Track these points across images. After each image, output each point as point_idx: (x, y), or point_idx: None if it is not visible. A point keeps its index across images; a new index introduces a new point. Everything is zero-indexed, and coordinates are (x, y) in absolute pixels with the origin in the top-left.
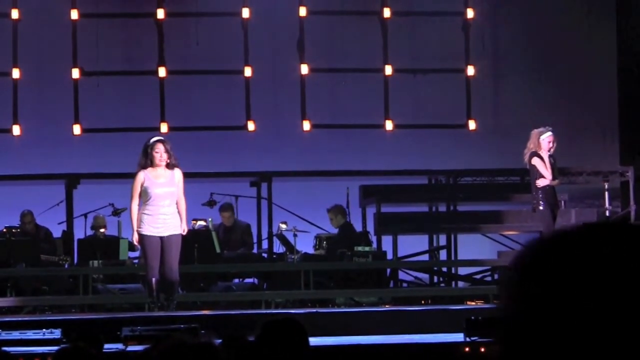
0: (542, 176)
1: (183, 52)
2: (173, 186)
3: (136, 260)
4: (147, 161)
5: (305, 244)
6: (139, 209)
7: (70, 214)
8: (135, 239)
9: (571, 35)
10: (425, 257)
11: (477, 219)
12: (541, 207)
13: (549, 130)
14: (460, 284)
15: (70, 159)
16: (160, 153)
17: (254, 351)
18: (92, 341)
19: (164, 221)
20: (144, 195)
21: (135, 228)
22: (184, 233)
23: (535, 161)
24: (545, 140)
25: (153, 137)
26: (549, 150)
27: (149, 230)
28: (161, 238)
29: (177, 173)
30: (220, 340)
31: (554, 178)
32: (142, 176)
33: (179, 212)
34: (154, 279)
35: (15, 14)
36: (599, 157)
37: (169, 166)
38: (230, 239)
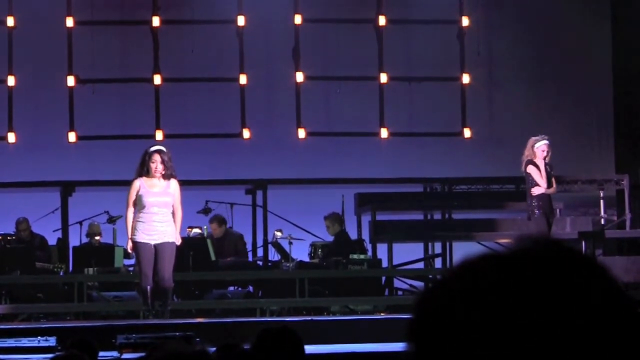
0: (537, 184)
1: (178, 59)
2: (167, 196)
3: (131, 268)
4: (144, 170)
5: (300, 252)
6: (135, 217)
7: (66, 221)
8: (129, 246)
9: (566, 43)
10: (421, 265)
11: (472, 226)
12: (536, 215)
13: (544, 139)
14: None
15: (65, 166)
16: (156, 163)
17: (249, 359)
18: (86, 349)
19: (157, 229)
20: (139, 204)
21: (129, 236)
22: (178, 243)
23: (531, 169)
24: (540, 148)
25: (153, 146)
26: (544, 159)
27: (142, 237)
28: (155, 246)
29: (173, 183)
30: (214, 349)
31: (549, 186)
32: (138, 184)
33: (174, 221)
34: (148, 287)
35: (10, 21)
36: (594, 165)
37: (165, 176)
38: (222, 250)
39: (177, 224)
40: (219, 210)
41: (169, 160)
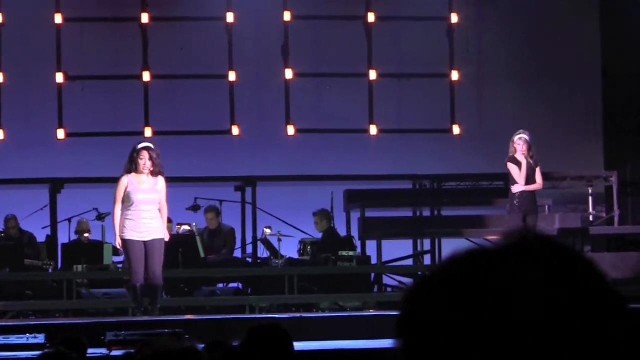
0: (516, 182)
1: (167, 56)
2: (155, 193)
3: (120, 265)
4: (132, 166)
5: (289, 249)
6: (122, 214)
7: (55, 218)
8: (118, 243)
9: (555, 39)
10: (410, 261)
11: (461, 223)
12: (513, 212)
13: (520, 133)
14: None
15: (54, 163)
16: (144, 160)
17: (238, 356)
18: (76, 346)
19: (146, 226)
20: (127, 200)
21: (118, 233)
22: (167, 239)
23: (510, 166)
24: (515, 142)
25: (141, 142)
26: (523, 154)
27: (132, 235)
28: (145, 243)
29: (161, 180)
30: (203, 345)
31: (529, 182)
32: (126, 181)
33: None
34: (138, 284)
35: None
36: (583, 161)
37: (154, 173)
38: (213, 243)
39: (164, 220)
40: None
41: (158, 157)
